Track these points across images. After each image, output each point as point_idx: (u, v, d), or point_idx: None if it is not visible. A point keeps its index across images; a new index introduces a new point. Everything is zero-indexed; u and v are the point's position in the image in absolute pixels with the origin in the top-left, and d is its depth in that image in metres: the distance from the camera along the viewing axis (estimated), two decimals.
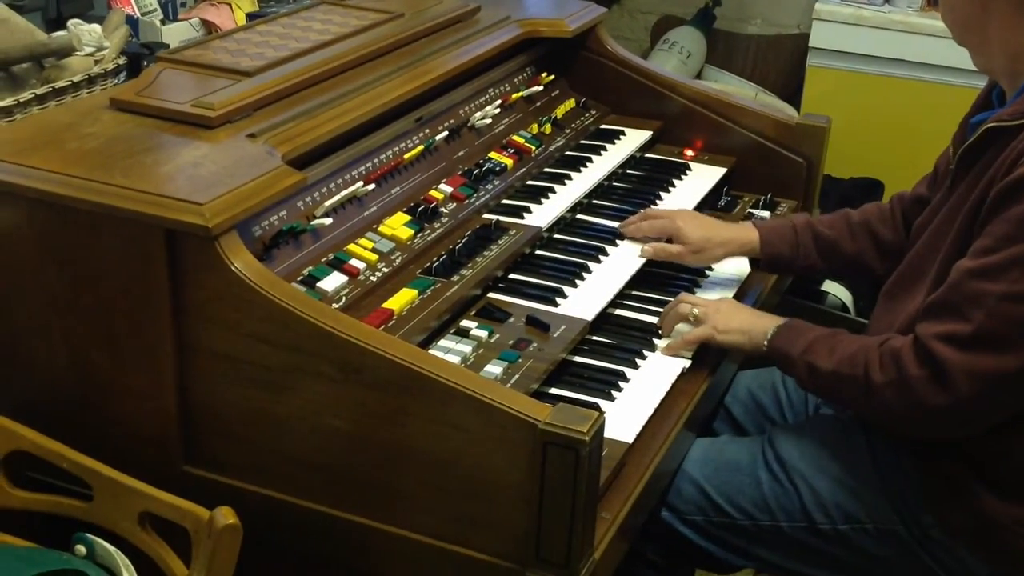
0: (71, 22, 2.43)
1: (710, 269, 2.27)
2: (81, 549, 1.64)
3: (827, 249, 2.14)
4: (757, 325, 1.92)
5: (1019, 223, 1.61)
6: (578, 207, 2.33)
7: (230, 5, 2.84)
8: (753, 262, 2.24)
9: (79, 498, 1.69)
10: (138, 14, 2.73)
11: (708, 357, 2.00)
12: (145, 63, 2.47)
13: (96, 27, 2.44)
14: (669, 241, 2.19)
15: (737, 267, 2.28)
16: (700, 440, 1.98)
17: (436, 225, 2.06)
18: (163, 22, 2.77)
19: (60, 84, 2.26)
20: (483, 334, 1.85)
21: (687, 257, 2.18)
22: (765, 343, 1.89)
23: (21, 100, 2.18)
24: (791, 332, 1.87)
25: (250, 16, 2.82)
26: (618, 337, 2.02)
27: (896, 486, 1.82)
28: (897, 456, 1.83)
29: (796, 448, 1.90)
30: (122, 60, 2.44)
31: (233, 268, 1.58)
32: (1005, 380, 1.64)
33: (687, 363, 1.95)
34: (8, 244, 1.73)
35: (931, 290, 1.74)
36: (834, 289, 3.16)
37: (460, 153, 2.28)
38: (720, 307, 1.98)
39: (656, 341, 2.00)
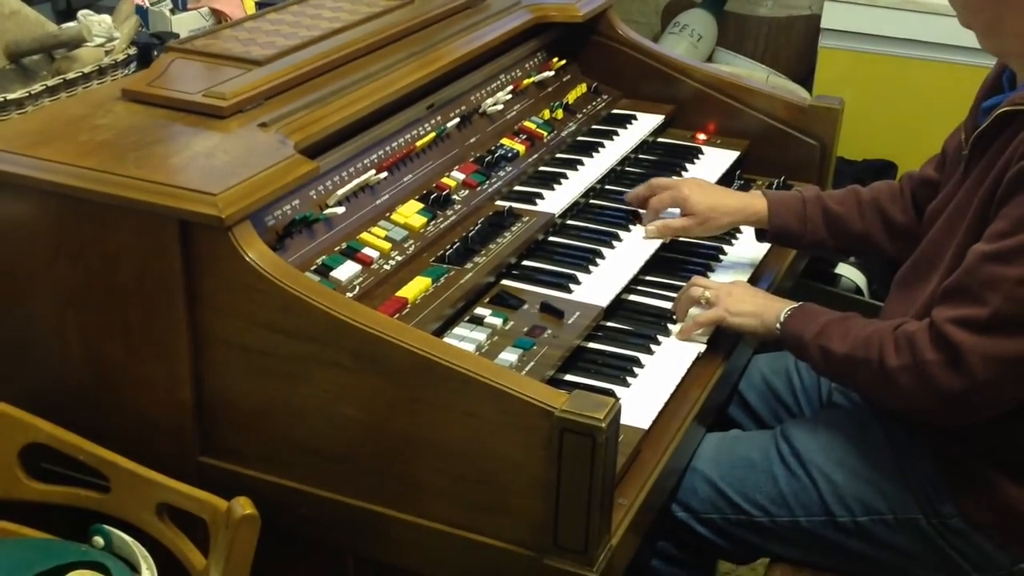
0: (81, 13, 2.42)
1: (724, 253, 2.26)
2: (99, 540, 1.65)
3: (835, 225, 2.13)
4: (770, 308, 1.91)
5: None
6: (591, 193, 2.32)
7: None
8: (760, 234, 2.22)
9: (95, 489, 1.69)
10: (147, 4, 2.73)
11: (723, 342, 1.99)
12: (155, 53, 2.47)
13: (106, 18, 2.43)
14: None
15: (751, 250, 2.28)
16: (710, 436, 1.96)
17: (449, 212, 2.05)
18: (173, 12, 2.76)
19: (71, 75, 2.25)
20: (497, 321, 1.84)
21: (693, 229, 2.16)
22: (778, 326, 1.88)
23: (32, 92, 2.18)
24: (804, 315, 1.86)
25: (259, 4, 2.82)
26: (632, 323, 2.01)
27: (916, 475, 1.81)
28: (915, 445, 1.81)
29: (812, 441, 1.89)
30: (132, 51, 2.43)
31: (247, 258, 1.58)
32: (1021, 364, 1.62)
33: (702, 347, 1.95)
34: (22, 236, 1.73)
35: (945, 276, 1.72)
36: (848, 272, 3.15)
37: (472, 140, 2.28)
38: (732, 290, 1.97)
39: (671, 327, 2.00)
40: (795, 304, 1.89)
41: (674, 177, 2.39)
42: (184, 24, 2.72)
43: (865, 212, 2.12)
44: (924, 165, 2.10)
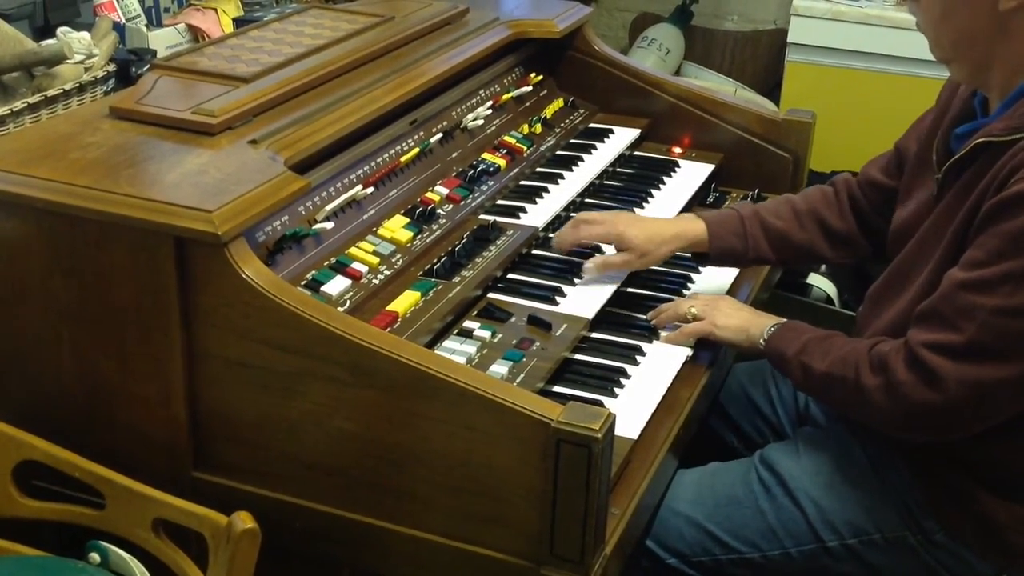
0: (60, 30, 2.42)
1: (697, 272, 2.26)
2: (95, 557, 1.65)
3: (777, 239, 2.11)
4: (755, 324, 1.93)
5: (1012, 239, 1.60)
6: (572, 206, 2.34)
7: (215, 10, 2.84)
8: (701, 257, 2.16)
9: (89, 506, 1.69)
10: (124, 20, 2.73)
11: (705, 352, 2.01)
12: (134, 70, 2.47)
13: (85, 35, 2.43)
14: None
15: (725, 269, 2.28)
16: (687, 475, 1.96)
17: (434, 227, 2.07)
18: (149, 28, 2.76)
19: (52, 93, 2.25)
20: (486, 334, 1.86)
21: (634, 264, 2.10)
22: (762, 342, 1.90)
23: (14, 109, 2.18)
24: (788, 332, 1.88)
25: (236, 21, 2.82)
26: (616, 334, 2.03)
27: (897, 493, 1.83)
28: (894, 463, 1.84)
29: (796, 467, 1.90)
30: (111, 67, 2.44)
31: (244, 275, 1.59)
32: (997, 387, 1.64)
33: (689, 351, 1.97)
34: (16, 254, 1.73)
35: (919, 296, 1.74)
36: (819, 282, 3.19)
37: (454, 155, 2.30)
38: (719, 304, 2.00)
39: (655, 339, 2.02)
40: (779, 320, 1.92)
41: (657, 203, 2.41)
42: (161, 40, 2.72)
43: (804, 223, 2.12)
44: (866, 167, 2.11)
